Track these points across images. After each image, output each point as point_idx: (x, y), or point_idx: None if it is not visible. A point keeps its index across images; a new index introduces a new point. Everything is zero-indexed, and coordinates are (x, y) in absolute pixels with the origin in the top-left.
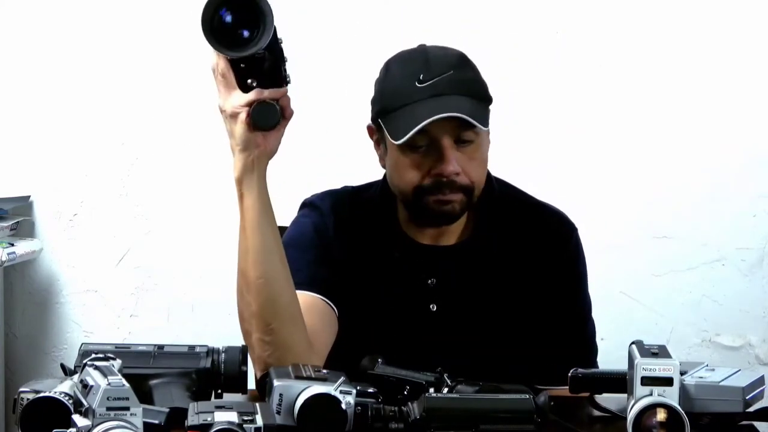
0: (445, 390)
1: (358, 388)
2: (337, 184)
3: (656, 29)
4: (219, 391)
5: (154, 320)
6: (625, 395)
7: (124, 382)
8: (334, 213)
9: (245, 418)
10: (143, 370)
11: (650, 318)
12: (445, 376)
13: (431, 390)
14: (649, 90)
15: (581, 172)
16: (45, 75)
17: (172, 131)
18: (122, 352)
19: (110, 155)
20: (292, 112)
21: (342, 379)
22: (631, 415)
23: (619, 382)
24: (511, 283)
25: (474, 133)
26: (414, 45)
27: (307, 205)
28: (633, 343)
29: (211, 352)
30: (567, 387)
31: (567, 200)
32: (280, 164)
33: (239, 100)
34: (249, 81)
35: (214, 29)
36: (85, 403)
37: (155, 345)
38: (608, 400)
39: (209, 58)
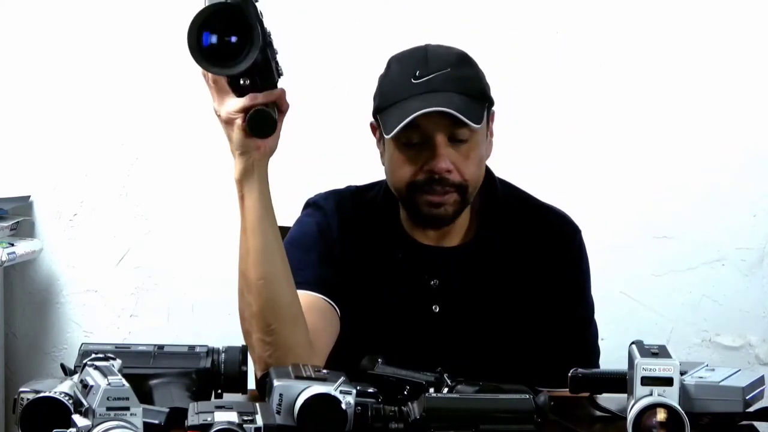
0: (445, 390)
1: (358, 388)
2: (337, 184)
3: (656, 29)
4: (219, 391)
5: (154, 320)
6: (625, 395)
7: (124, 382)
8: (338, 213)
9: (245, 418)
10: (143, 370)
11: (650, 318)
12: (445, 376)
13: (431, 390)
14: (649, 90)
15: (581, 172)
16: (45, 75)
17: (172, 131)
18: (122, 352)
19: (110, 155)
20: (288, 106)
21: (342, 379)
22: (631, 415)
23: (619, 382)
24: (514, 284)
25: (469, 131)
26: (414, 45)
27: (311, 205)
28: (633, 343)
29: (211, 352)
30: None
31: (567, 200)
32: (280, 164)
33: (233, 105)
34: (241, 81)
35: (202, 49)
36: (85, 403)
37: (155, 345)
38: (608, 400)
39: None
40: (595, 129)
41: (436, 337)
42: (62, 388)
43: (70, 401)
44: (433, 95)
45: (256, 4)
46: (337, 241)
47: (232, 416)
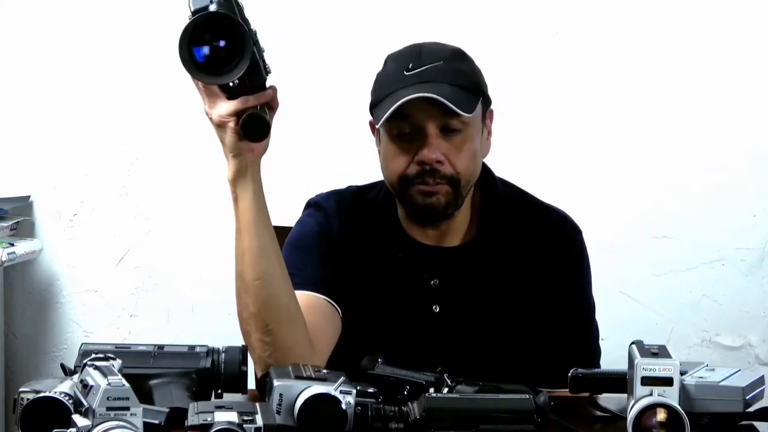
0: (445, 390)
1: (358, 388)
2: (337, 184)
3: (656, 29)
4: (219, 391)
5: (154, 320)
6: (625, 395)
7: (124, 382)
8: (339, 213)
9: (245, 418)
10: (143, 370)
11: (650, 318)
12: (445, 376)
13: (431, 390)
14: (650, 90)
15: (581, 172)
16: (45, 75)
17: (172, 131)
18: (122, 352)
19: (110, 155)
20: (278, 104)
21: (342, 379)
22: (631, 415)
23: (619, 382)
24: (515, 284)
25: (461, 123)
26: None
27: (312, 205)
28: (633, 343)
29: (211, 352)
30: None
31: (567, 200)
32: (280, 164)
33: (225, 109)
34: (230, 83)
35: (195, 62)
36: (85, 403)
37: (155, 345)
38: (608, 400)
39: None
40: (595, 129)
41: (436, 337)
42: (62, 388)
43: (70, 401)
44: (424, 85)
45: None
46: (338, 241)
47: (232, 416)
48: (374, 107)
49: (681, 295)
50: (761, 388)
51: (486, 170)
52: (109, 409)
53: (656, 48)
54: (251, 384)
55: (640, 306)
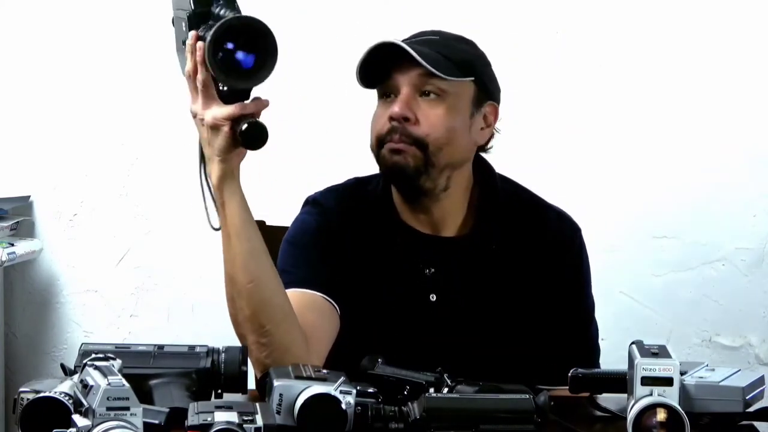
0: (445, 390)
1: (358, 388)
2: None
3: (656, 29)
4: (219, 391)
5: (154, 320)
6: (625, 395)
7: (124, 382)
8: (338, 209)
9: (245, 418)
10: (143, 370)
11: (650, 318)
12: (445, 376)
13: (431, 390)
14: (649, 90)
15: (581, 172)
16: (45, 75)
17: (172, 131)
18: (122, 352)
19: (110, 155)
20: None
21: (342, 379)
22: (631, 415)
23: (619, 382)
24: (513, 280)
25: (438, 89)
26: None
27: (310, 203)
28: (633, 343)
29: (211, 352)
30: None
31: (567, 200)
32: (280, 164)
33: (221, 112)
34: (221, 86)
35: (225, 64)
36: (85, 403)
37: (155, 345)
38: (608, 400)
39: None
40: (595, 129)
41: (433, 327)
42: (62, 388)
43: (70, 401)
44: (405, 44)
45: None
46: (336, 237)
47: (232, 416)
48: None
49: (681, 295)
50: (761, 388)
51: (486, 166)
52: (109, 409)
53: (656, 48)
54: (251, 384)
55: (640, 306)
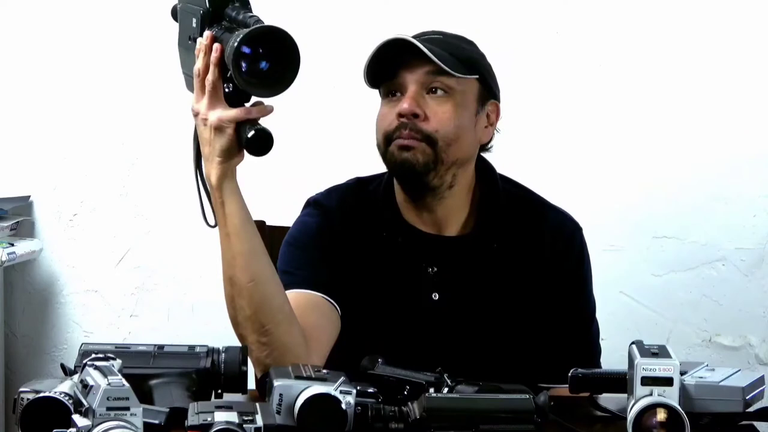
0: (445, 390)
1: (358, 388)
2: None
3: (656, 29)
4: (219, 391)
5: (154, 320)
6: (625, 395)
7: (124, 382)
8: (339, 209)
9: (245, 418)
10: (143, 370)
11: (650, 318)
12: (445, 376)
13: (431, 390)
14: (649, 90)
15: (581, 172)
16: (45, 75)
17: (172, 131)
18: (122, 352)
19: (110, 155)
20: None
21: (342, 379)
22: (631, 415)
23: (619, 382)
24: (514, 279)
25: (446, 86)
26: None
27: (311, 204)
28: (633, 343)
29: (211, 352)
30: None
31: (567, 200)
32: (280, 164)
33: (227, 115)
34: (225, 88)
35: (249, 72)
36: (85, 403)
37: (155, 345)
38: (608, 400)
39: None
40: (595, 129)
41: (435, 325)
42: (62, 388)
43: (70, 401)
44: (412, 41)
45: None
46: (338, 238)
47: (232, 416)
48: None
49: (681, 295)
50: (761, 388)
51: (487, 165)
52: (109, 409)
53: (656, 48)
54: (251, 384)
55: (640, 306)
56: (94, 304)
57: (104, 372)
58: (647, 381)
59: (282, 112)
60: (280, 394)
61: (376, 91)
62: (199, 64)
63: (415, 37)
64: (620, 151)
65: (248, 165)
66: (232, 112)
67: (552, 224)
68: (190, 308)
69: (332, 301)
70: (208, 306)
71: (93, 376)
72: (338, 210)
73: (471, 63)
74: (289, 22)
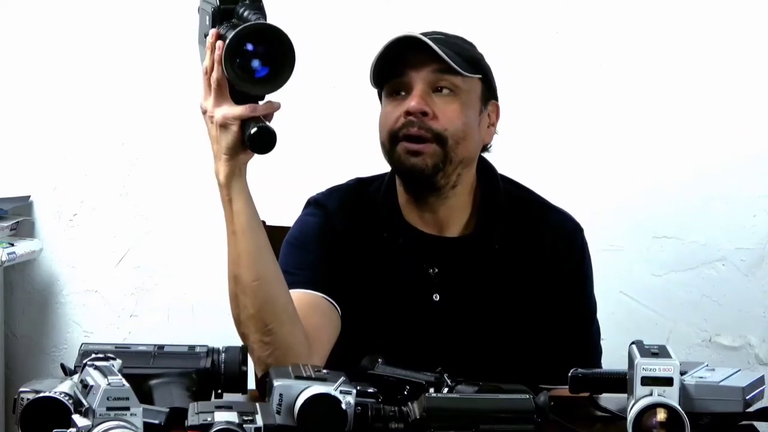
0: (445, 390)
1: (358, 388)
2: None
3: (656, 29)
4: (219, 391)
5: (154, 320)
6: (625, 395)
7: (124, 382)
8: (340, 209)
9: (245, 418)
10: (143, 370)
11: (650, 318)
12: (445, 376)
13: (431, 390)
14: (649, 90)
15: (581, 172)
16: (45, 75)
17: (172, 131)
18: (122, 352)
19: (110, 155)
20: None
21: (342, 379)
22: (631, 415)
23: (619, 382)
24: (515, 280)
25: (452, 85)
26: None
27: (312, 204)
28: (633, 343)
29: (211, 352)
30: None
31: (567, 200)
32: (280, 164)
33: (232, 112)
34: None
35: (240, 68)
36: (85, 403)
37: (155, 345)
38: (608, 400)
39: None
40: (595, 129)
41: (436, 326)
42: (62, 388)
43: (70, 401)
44: (419, 38)
45: None
46: (339, 238)
47: (232, 416)
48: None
49: (681, 295)
50: (761, 388)
51: (488, 166)
52: (109, 409)
53: (656, 48)
54: (251, 384)
55: (640, 306)
56: (94, 304)
57: (104, 372)
58: (647, 381)
59: (281, 112)
60: (280, 394)
61: (375, 91)
62: (206, 62)
63: (421, 34)
64: (620, 151)
65: (249, 165)
66: (237, 110)
67: (553, 225)
68: (190, 308)
69: (333, 301)
70: (208, 306)
71: (93, 376)
72: (339, 210)
73: (475, 62)
74: (289, 22)
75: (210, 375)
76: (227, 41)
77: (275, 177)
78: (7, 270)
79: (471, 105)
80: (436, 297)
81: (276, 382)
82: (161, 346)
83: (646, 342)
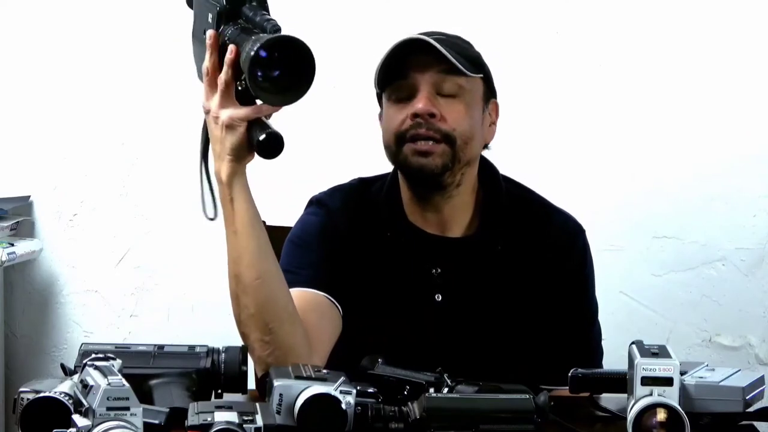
0: (445, 390)
1: (358, 388)
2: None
3: (656, 29)
4: (219, 391)
5: (154, 320)
6: (625, 395)
7: (124, 382)
8: (343, 209)
9: (245, 418)
10: (143, 370)
11: (650, 318)
12: (445, 376)
13: (431, 390)
14: (649, 90)
15: (581, 172)
16: (45, 75)
17: (172, 131)
18: (122, 352)
19: (110, 155)
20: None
21: (342, 379)
22: (631, 415)
23: (619, 382)
24: (517, 281)
25: (457, 86)
26: None
27: (314, 203)
28: (633, 343)
29: (211, 352)
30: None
31: (567, 200)
32: (280, 164)
33: (238, 113)
34: (239, 86)
35: (265, 79)
36: (85, 403)
37: (155, 345)
38: (608, 400)
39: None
40: (595, 129)
41: (438, 326)
42: (62, 388)
43: (70, 401)
44: (421, 39)
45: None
46: (341, 237)
47: (232, 416)
48: (378, 83)
49: (681, 295)
50: (761, 388)
51: (490, 167)
52: (109, 409)
53: (656, 48)
54: (251, 384)
55: (640, 306)
56: (94, 304)
57: (104, 372)
58: (647, 381)
59: (282, 112)
60: (280, 394)
61: (375, 91)
62: (207, 63)
63: (420, 35)
64: (620, 151)
65: (249, 165)
66: (244, 111)
67: (555, 226)
68: (190, 308)
69: (334, 300)
70: (208, 306)
71: (93, 376)
72: (342, 210)
73: (476, 61)
74: (288, 22)
75: (210, 375)
76: (252, 55)
77: (275, 177)
78: (7, 270)
79: (475, 105)
80: (438, 297)
81: (276, 382)
82: (161, 346)
83: (646, 342)
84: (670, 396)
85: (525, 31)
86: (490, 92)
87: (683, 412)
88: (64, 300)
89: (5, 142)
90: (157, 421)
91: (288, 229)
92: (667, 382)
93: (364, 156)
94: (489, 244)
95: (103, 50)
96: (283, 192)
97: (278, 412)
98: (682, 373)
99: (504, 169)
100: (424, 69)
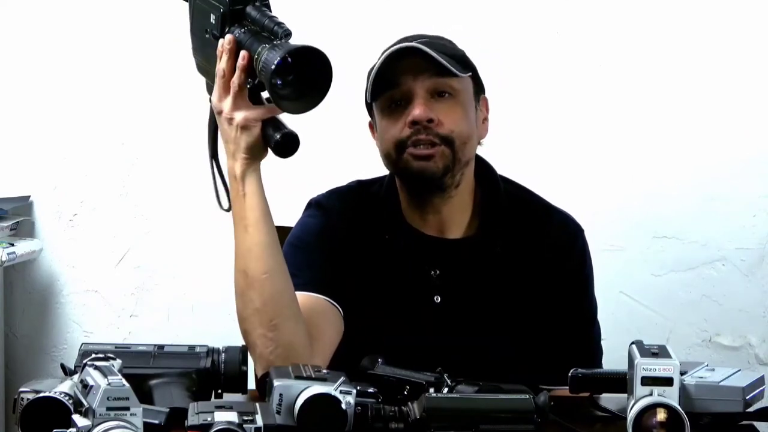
0: (445, 390)
1: (358, 388)
2: (337, 185)
3: (656, 29)
4: (219, 391)
5: (154, 320)
6: (625, 395)
7: (124, 382)
8: (341, 211)
9: (245, 418)
10: (143, 370)
11: (650, 318)
12: (445, 376)
13: (431, 390)
14: (649, 90)
15: (581, 172)
16: (45, 75)
17: (172, 131)
18: (122, 352)
19: (110, 155)
20: None
21: (342, 379)
22: (631, 415)
23: (619, 382)
24: (516, 281)
25: (450, 88)
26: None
27: (313, 205)
28: (633, 343)
29: (211, 352)
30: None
31: (567, 200)
32: (281, 164)
33: (253, 114)
34: (249, 85)
35: (285, 85)
36: (85, 403)
37: (155, 345)
38: (608, 400)
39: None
40: (595, 129)
41: (437, 328)
42: (62, 388)
43: (70, 401)
44: (410, 45)
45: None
46: (340, 239)
47: (232, 416)
48: (368, 90)
49: (681, 295)
50: (761, 388)
51: (487, 167)
52: (109, 409)
53: (656, 48)
54: (251, 384)
55: (640, 306)
56: (94, 304)
57: (104, 372)
58: (647, 381)
59: (282, 114)
60: (280, 394)
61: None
62: (222, 65)
63: (402, 40)
64: (620, 151)
65: None
66: (258, 111)
67: (554, 226)
68: (190, 308)
69: (335, 303)
70: (208, 306)
71: (93, 376)
72: (340, 212)
73: (464, 60)
74: (288, 22)
75: (210, 375)
76: (274, 67)
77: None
78: (7, 270)
79: (468, 104)
80: (437, 299)
81: (276, 382)
82: (161, 346)
83: (646, 342)
84: (670, 396)
85: (525, 31)
86: (479, 89)
87: (683, 412)
88: (64, 300)
89: (5, 142)
90: (157, 421)
91: (288, 229)
92: (667, 382)
93: (363, 158)
94: (488, 244)
95: (103, 50)
96: (283, 193)
97: (278, 412)
98: (682, 373)
99: (504, 169)
100: (415, 75)
